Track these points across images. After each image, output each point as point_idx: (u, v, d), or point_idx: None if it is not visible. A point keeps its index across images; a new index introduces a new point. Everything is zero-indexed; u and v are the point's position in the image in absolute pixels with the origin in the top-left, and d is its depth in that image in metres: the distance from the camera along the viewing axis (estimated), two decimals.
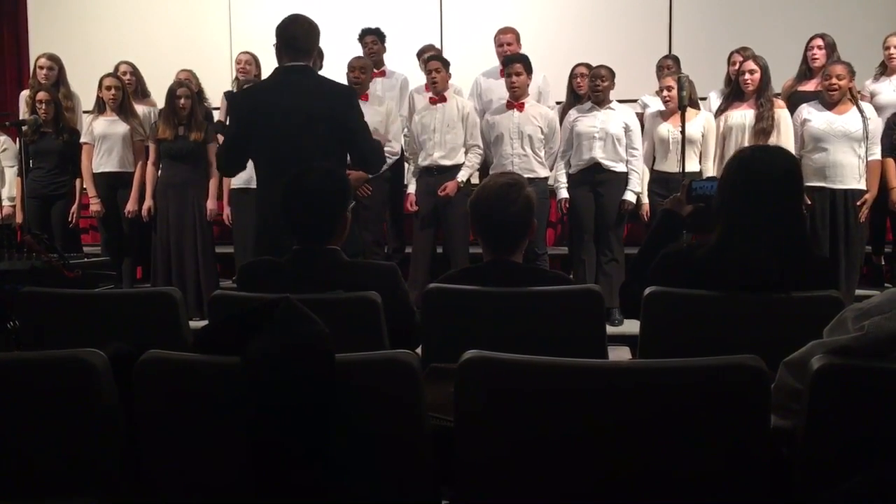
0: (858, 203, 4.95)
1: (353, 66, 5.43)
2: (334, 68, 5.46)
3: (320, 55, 5.33)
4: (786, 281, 2.11)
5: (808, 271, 2.16)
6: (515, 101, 5.30)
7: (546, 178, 5.36)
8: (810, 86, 5.42)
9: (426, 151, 5.39)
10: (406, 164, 5.80)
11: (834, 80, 4.89)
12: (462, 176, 5.34)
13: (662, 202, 5.09)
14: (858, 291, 4.88)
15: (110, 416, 1.54)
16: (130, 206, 5.61)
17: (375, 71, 6.00)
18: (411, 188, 5.53)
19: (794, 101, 5.34)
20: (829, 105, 4.96)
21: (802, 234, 2.25)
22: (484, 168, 5.51)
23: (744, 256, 2.10)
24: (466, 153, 5.39)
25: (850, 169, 4.95)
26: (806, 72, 5.54)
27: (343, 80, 4.82)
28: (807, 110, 5.03)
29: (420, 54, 6.18)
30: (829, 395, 1.42)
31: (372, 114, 5.20)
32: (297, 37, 3.33)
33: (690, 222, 2.56)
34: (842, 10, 6.82)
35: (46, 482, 1.57)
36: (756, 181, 2.13)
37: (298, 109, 3.25)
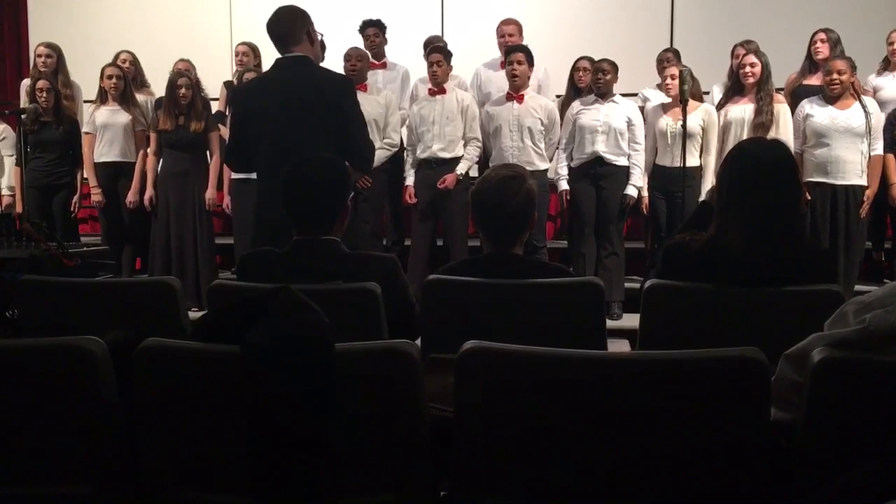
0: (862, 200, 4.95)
1: (350, 56, 5.42)
2: (336, 60, 5.45)
3: (322, 47, 5.33)
4: (780, 274, 2.10)
5: (806, 264, 2.15)
6: (515, 91, 5.29)
7: (545, 171, 5.35)
8: (814, 79, 5.41)
9: (425, 143, 5.38)
10: (405, 156, 5.79)
11: (835, 76, 4.88)
12: (461, 169, 5.33)
13: (659, 196, 5.18)
14: (858, 287, 4.88)
15: (109, 404, 1.54)
16: (132, 196, 5.61)
17: (376, 63, 5.99)
18: (409, 180, 5.51)
19: (798, 94, 5.34)
20: (832, 100, 4.95)
21: (796, 226, 2.24)
22: (483, 160, 5.50)
23: (734, 249, 2.10)
24: (465, 146, 5.38)
25: (851, 165, 4.94)
26: (810, 66, 5.54)
27: (342, 72, 4.81)
28: (809, 105, 5.03)
29: (426, 45, 6.16)
30: (829, 388, 1.42)
31: (371, 104, 5.20)
32: (281, 25, 3.33)
33: None
34: (845, 4, 6.81)
35: (44, 469, 1.57)
36: (746, 173, 2.14)
37: (294, 100, 3.25)
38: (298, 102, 3.24)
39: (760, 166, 2.13)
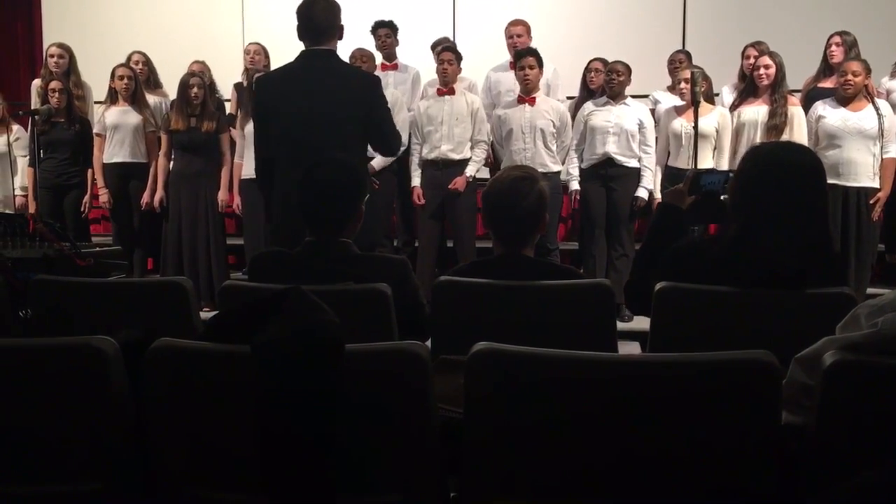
0: (871, 202, 4.92)
1: (355, 57, 5.42)
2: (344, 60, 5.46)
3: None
4: (805, 278, 2.08)
5: (818, 267, 2.13)
6: (527, 95, 5.29)
7: (558, 173, 5.34)
8: (829, 83, 5.38)
9: (432, 143, 5.37)
10: (410, 156, 5.78)
11: (849, 77, 4.87)
12: (469, 171, 5.33)
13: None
14: (871, 290, 4.85)
15: (120, 403, 1.55)
16: (147, 198, 5.62)
17: (388, 64, 5.99)
18: (416, 181, 5.48)
19: (812, 97, 5.32)
20: (845, 101, 4.93)
21: (826, 231, 2.21)
22: (495, 164, 5.49)
23: (765, 252, 2.07)
24: (473, 148, 5.38)
25: (863, 167, 4.92)
26: (825, 69, 5.51)
27: None
28: (822, 107, 5.01)
29: (434, 47, 6.16)
30: (840, 392, 1.41)
31: None
32: (315, 16, 3.34)
33: (691, 214, 2.51)
34: (858, 7, 6.76)
35: (55, 467, 1.58)
36: (783, 176, 2.09)
37: (325, 97, 3.26)
38: (329, 100, 3.27)
39: (798, 169, 2.10)
